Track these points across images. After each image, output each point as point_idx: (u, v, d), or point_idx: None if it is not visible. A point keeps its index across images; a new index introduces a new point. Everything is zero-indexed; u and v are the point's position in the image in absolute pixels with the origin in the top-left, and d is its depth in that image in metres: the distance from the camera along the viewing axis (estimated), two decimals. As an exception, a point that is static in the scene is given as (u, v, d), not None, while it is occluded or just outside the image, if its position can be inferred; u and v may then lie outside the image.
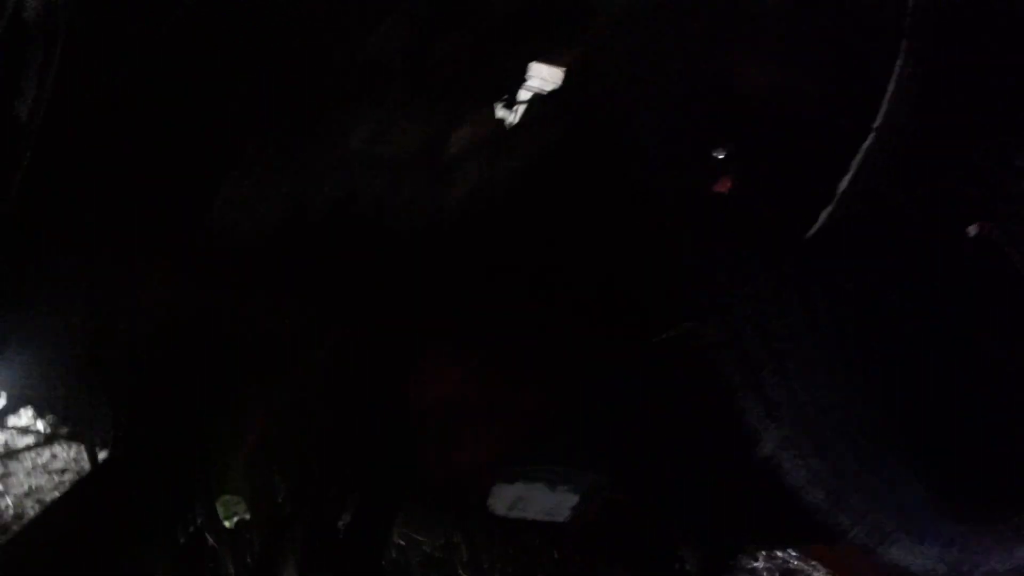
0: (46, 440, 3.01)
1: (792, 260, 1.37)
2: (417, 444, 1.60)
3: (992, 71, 1.32)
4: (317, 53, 1.49)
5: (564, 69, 1.64)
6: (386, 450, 1.64)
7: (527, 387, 1.56)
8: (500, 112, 1.54)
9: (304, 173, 1.49)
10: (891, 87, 1.17)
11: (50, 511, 2.22)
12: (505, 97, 1.54)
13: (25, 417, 2.58)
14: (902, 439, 1.53)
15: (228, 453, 1.71)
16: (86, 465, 2.68)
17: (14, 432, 2.92)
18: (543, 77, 1.61)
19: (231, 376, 1.64)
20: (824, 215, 1.19)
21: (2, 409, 2.24)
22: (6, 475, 3.32)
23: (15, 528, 2.94)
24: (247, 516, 2.70)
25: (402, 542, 2.64)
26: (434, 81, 1.40)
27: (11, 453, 3.17)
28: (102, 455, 2.33)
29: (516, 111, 1.56)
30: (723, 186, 2.21)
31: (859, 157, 1.17)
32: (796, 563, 2.93)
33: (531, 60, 1.56)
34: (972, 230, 1.38)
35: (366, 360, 1.60)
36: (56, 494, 3.03)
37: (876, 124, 1.17)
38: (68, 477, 3.24)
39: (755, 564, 2.92)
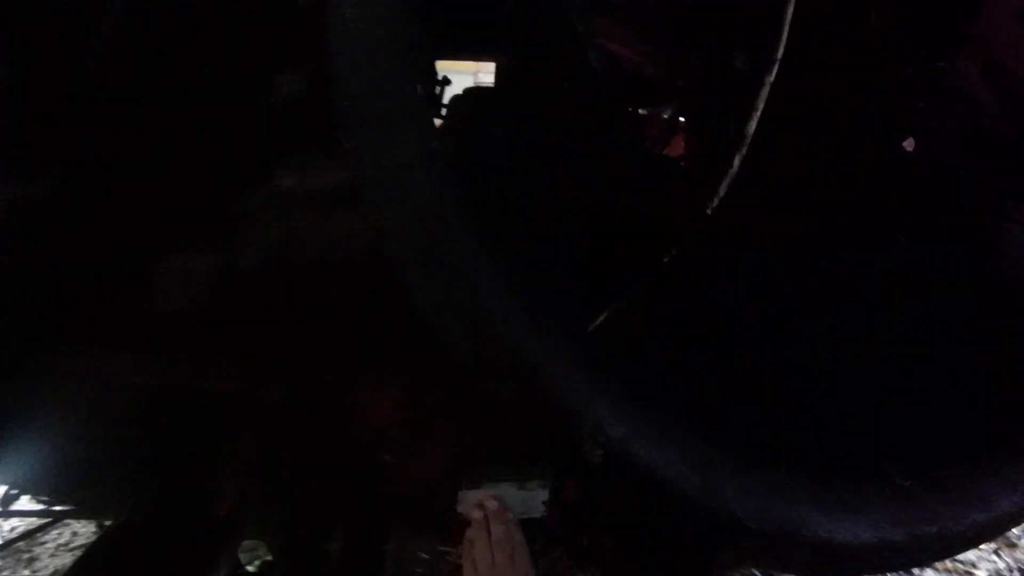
0: (56, 519, 3.01)
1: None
2: (367, 469, 1.59)
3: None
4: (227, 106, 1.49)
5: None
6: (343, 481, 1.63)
7: (461, 402, 1.54)
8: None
9: (237, 220, 1.49)
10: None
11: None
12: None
13: (33, 501, 2.57)
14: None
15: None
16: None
17: (24, 517, 2.92)
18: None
19: (203, 437, 1.64)
20: (737, 160, 1.16)
21: (7, 497, 2.25)
22: (32, 559, 3.33)
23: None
24: (270, 558, 2.70)
25: (425, 555, 2.63)
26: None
27: (27, 535, 3.17)
28: (111, 523, 2.33)
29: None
30: (678, 148, 2.20)
31: (763, 91, 1.14)
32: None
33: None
34: (907, 145, 1.36)
35: (310, 401, 1.60)
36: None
37: (776, 56, 1.14)
38: (91, 553, 3.24)
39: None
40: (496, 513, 1.45)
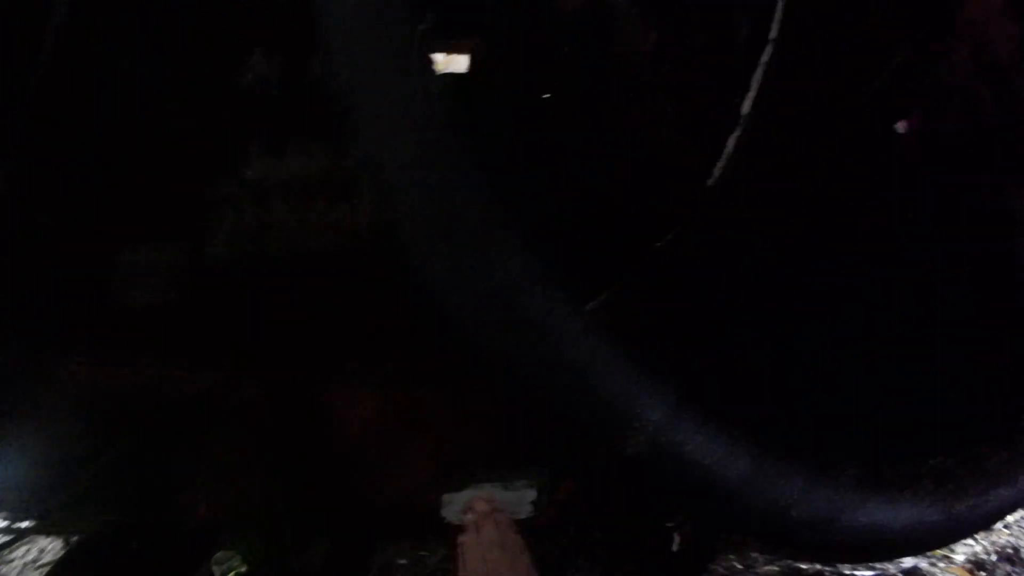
0: (20, 536, 2.92)
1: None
2: (347, 472, 1.54)
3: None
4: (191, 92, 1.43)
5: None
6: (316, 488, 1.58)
7: (451, 399, 1.50)
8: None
9: (208, 208, 1.43)
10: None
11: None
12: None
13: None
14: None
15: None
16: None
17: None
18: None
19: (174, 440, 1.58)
20: (732, 141, 1.13)
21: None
22: (-3, 578, 3.24)
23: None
24: (244, 569, 2.63)
25: (403, 560, 2.60)
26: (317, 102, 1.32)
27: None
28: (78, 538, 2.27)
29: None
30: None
31: (759, 71, 1.11)
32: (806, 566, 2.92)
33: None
34: (901, 127, 1.35)
35: (285, 399, 1.54)
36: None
37: (772, 36, 1.11)
38: (59, 569, 3.14)
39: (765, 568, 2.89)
40: (487, 515, 1.41)
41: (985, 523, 1.50)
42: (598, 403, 1.18)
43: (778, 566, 2.89)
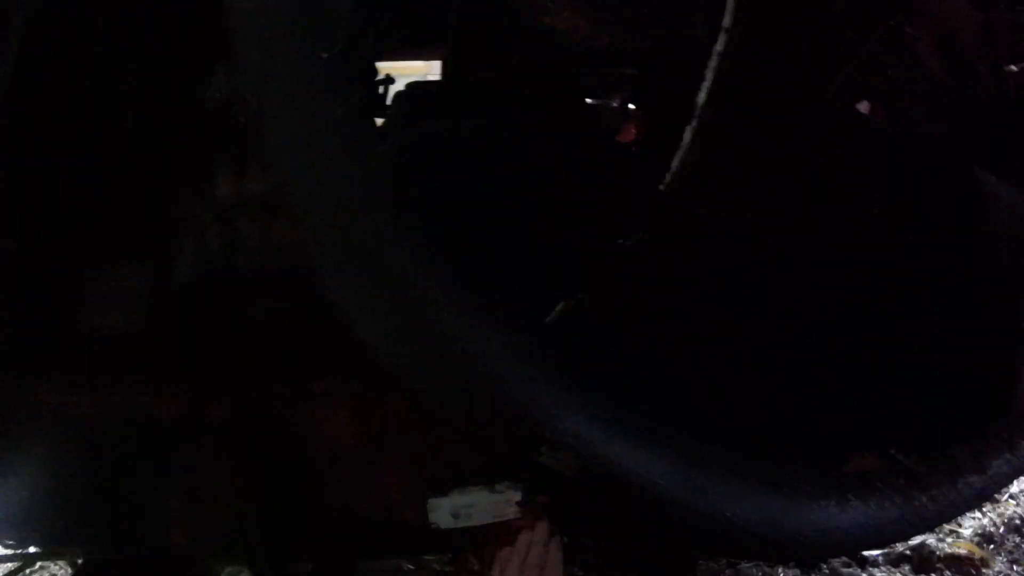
0: (27, 563, 2.92)
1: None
2: (325, 487, 1.53)
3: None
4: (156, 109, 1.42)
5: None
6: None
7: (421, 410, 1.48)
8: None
9: (173, 229, 1.43)
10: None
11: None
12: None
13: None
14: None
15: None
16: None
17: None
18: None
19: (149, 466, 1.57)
20: (688, 133, 1.11)
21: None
22: (4, 601, 3.22)
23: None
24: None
25: (411, 566, 2.59)
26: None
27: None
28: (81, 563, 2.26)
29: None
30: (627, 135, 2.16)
31: (714, 61, 1.09)
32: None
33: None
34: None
35: (259, 417, 1.52)
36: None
37: (726, 24, 1.10)
38: (66, 592, 3.15)
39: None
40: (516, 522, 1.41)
41: (954, 511, 1.45)
42: (512, 419, 1.12)
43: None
